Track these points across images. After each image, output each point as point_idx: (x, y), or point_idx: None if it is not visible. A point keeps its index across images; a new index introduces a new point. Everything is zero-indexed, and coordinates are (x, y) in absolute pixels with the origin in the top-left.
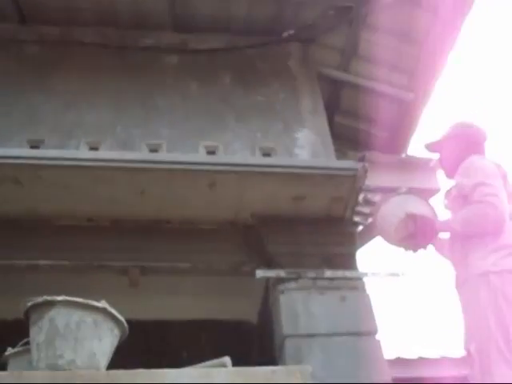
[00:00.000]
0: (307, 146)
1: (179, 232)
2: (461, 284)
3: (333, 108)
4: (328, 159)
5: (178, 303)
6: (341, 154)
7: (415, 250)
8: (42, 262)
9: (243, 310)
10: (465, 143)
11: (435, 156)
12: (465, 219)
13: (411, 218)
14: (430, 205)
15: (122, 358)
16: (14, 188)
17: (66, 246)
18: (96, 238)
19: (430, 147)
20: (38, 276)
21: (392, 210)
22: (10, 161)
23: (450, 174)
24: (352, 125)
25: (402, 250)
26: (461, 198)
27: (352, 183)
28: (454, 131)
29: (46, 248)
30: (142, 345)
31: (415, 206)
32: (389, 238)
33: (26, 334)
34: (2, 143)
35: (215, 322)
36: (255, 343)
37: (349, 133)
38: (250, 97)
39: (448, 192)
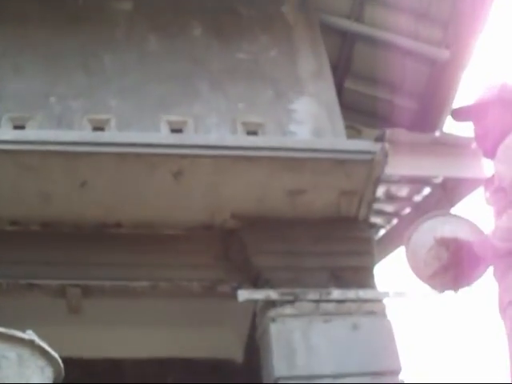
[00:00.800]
0: (307, 120)
1: (134, 239)
2: (504, 308)
3: (342, 70)
4: (336, 139)
5: (134, 335)
6: (353, 131)
7: (455, 290)
8: None
9: (224, 344)
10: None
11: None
12: (504, 230)
13: (442, 243)
14: (475, 226)
15: None
16: None
17: None
18: (23, 247)
19: (460, 114)
20: None
21: (422, 238)
22: None
23: (489, 154)
24: (368, 92)
25: (437, 292)
26: (502, 192)
27: (368, 171)
28: (498, 93)
29: None
30: None
31: (451, 229)
32: (421, 276)
33: None
34: None
35: (187, 361)
36: None
37: (363, 103)
38: (228, 54)
39: (489, 181)
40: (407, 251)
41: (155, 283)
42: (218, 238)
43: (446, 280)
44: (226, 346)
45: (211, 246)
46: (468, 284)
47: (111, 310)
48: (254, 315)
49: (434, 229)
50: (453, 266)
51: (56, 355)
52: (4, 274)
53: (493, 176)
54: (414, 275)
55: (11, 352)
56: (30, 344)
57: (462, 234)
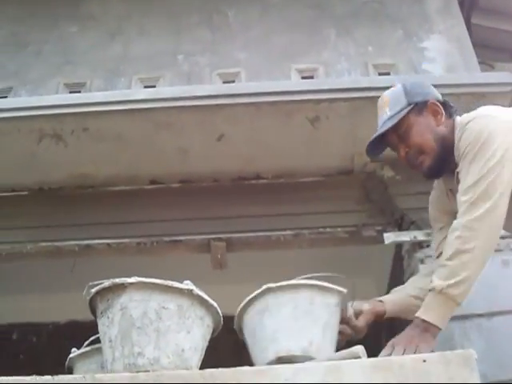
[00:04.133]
0: (440, 57)
1: (274, 189)
2: None
3: (468, 5)
4: (472, 73)
5: None
6: (486, 66)
7: None
8: (97, 242)
9: (365, 292)
10: None
11: None
12: None
13: None
14: None
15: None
16: (54, 148)
17: (126, 219)
18: (164, 205)
19: (376, 147)
20: (93, 259)
21: None
22: (46, 111)
23: (434, 171)
24: (496, 26)
25: None
26: None
27: (510, 102)
28: (406, 100)
29: (100, 223)
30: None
31: None
32: None
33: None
34: (36, 89)
35: None
36: (382, 333)
37: (492, 38)
38: None
39: None
40: None
41: (298, 232)
42: (358, 182)
43: None
44: (368, 293)
45: (352, 190)
46: None
47: (254, 264)
48: (396, 260)
49: None
50: None
51: (214, 304)
52: (147, 232)
53: None
54: None
55: (171, 303)
56: (189, 294)
57: None
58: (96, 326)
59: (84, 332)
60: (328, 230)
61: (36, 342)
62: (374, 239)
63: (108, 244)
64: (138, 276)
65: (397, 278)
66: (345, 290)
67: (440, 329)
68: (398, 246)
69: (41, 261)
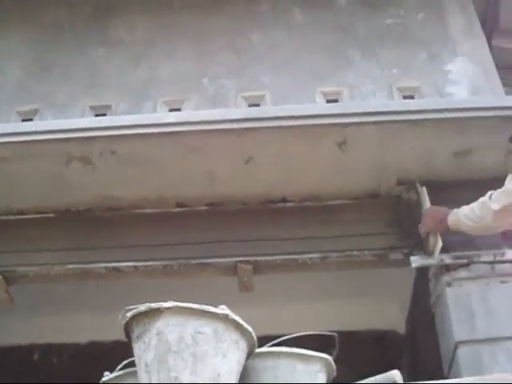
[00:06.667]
0: (464, 80)
1: (301, 212)
2: None
3: (489, 27)
4: (497, 96)
5: (298, 310)
6: (509, 89)
7: None
8: (124, 265)
9: (386, 315)
10: None
11: None
12: None
13: None
14: None
15: None
16: (83, 170)
17: (153, 241)
18: (191, 227)
19: None
20: (119, 282)
21: None
22: (74, 134)
23: None
24: None
25: None
26: None
27: None
28: None
29: (127, 245)
30: None
31: None
32: None
33: (123, 355)
34: (62, 112)
35: (348, 334)
36: (403, 359)
37: None
38: (376, 21)
39: None
40: None
41: (326, 255)
42: (385, 205)
43: None
44: (388, 317)
45: (379, 214)
46: None
47: (280, 287)
48: (417, 284)
49: None
50: None
51: (249, 328)
52: (174, 255)
53: None
54: None
55: (207, 327)
56: (224, 318)
57: None
58: (117, 347)
59: (105, 353)
60: (355, 253)
61: (57, 363)
62: (401, 262)
63: (135, 267)
64: (165, 299)
65: (419, 301)
66: (328, 357)
67: None
68: (421, 269)
69: (67, 283)
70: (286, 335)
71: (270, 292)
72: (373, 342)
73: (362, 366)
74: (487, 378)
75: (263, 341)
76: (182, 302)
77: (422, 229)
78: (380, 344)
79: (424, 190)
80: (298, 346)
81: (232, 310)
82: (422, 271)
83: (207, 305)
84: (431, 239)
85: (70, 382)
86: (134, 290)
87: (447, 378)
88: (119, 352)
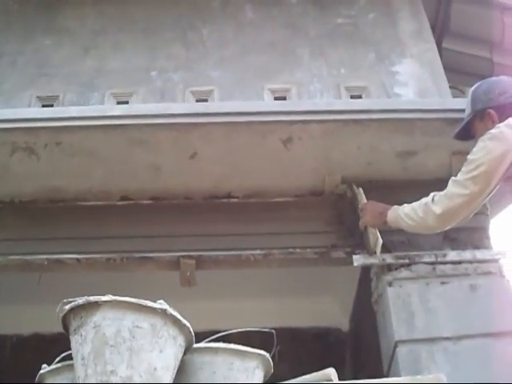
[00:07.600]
0: (411, 81)
1: (245, 209)
2: None
3: (440, 29)
4: (443, 99)
5: (243, 307)
6: (456, 91)
7: None
8: (66, 257)
9: (330, 313)
10: None
11: None
12: None
13: None
14: None
15: None
16: (27, 161)
17: (96, 234)
18: (134, 221)
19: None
20: (62, 275)
21: None
22: (19, 124)
23: None
24: (467, 51)
25: None
26: None
27: None
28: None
29: (70, 238)
30: None
31: None
32: None
33: (67, 347)
34: (8, 101)
35: (292, 331)
36: (346, 357)
37: (463, 63)
38: (326, 20)
39: None
40: None
41: (268, 251)
42: (328, 203)
43: None
44: (332, 314)
45: (322, 212)
46: None
47: (224, 283)
48: (362, 282)
49: None
50: None
51: (187, 323)
52: (116, 248)
53: None
54: None
55: (144, 322)
56: (162, 313)
57: None
58: (61, 339)
59: (48, 345)
60: (298, 250)
61: None
62: (343, 261)
63: (77, 259)
64: (107, 292)
65: (362, 299)
66: (266, 354)
67: None
68: (365, 267)
69: (9, 274)
70: (228, 331)
71: (214, 288)
72: (316, 339)
73: (305, 363)
74: (420, 378)
75: (205, 336)
76: (124, 295)
77: (360, 222)
78: (324, 341)
79: (361, 191)
80: (242, 343)
81: (174, 305)
82: (367, 270)
83: (150, 299)
84: (371, 236)
85: (12, 373)
86: (77, 283)
87: (387, 376)
88: (63, 344)
